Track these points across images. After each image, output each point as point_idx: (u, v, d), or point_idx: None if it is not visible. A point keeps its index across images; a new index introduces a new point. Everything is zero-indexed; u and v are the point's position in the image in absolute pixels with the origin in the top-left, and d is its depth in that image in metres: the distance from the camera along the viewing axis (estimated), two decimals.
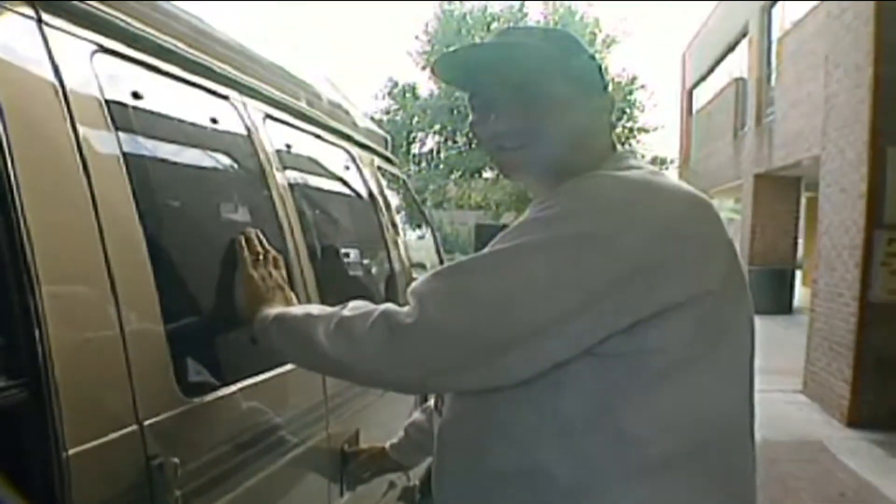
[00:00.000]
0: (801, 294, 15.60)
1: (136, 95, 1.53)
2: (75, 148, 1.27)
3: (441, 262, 4.23)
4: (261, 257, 1.69)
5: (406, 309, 1.21)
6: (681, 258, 1.18)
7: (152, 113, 1.62)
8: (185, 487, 1.34)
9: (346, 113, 3.08)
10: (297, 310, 1.47)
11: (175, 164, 1.70)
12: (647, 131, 30.07)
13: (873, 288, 6.88)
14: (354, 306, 1.32)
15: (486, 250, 1.22)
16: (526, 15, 29.67)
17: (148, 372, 1.33)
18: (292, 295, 1.66)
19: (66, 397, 1.12)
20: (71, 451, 1.13)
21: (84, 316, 1.22)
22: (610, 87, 1.47)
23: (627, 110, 28.83)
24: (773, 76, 15.45)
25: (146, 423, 1.30)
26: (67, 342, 1.15)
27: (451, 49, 1.38)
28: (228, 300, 1.61)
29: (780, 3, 15.43)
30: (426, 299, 1.19)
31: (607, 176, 1.25)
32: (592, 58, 1.42)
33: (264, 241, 1.73)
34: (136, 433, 1.27)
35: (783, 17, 15.10)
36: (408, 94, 30.87)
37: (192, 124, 1.81)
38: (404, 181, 4.26)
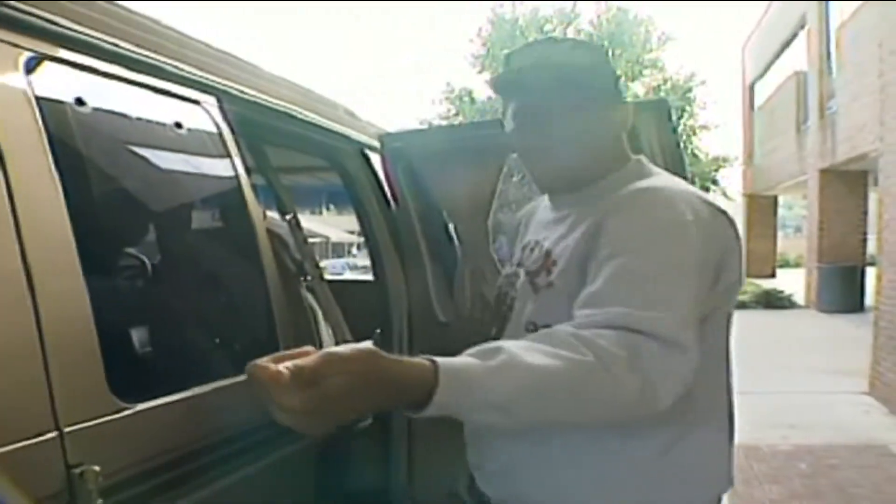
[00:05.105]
0: (870, 292, 15.12)
1: (79, 101, 1.52)
2: None
3: None
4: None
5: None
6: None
7: (105, 119, 1.61)
8: (110, 498, 1.29)
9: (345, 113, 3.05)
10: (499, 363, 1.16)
11: (117, 162, 1.68)
12: (707, 129, 29.50)
13: None
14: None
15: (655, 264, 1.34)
16: (578, 16, 29.45)
17: (72, 373, 1.29)
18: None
19: None
20: None
21: None
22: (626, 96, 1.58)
23: (687, 108, 28.28)
24: (834, 67, 15.01)
25: (67, 429, 1.25)
26: None
27: (505, 69, 1.55)
28: (179, 299, 1.56)
29: None
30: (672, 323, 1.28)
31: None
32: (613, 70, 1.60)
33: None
34: (54, 440, 1.23)
35: (842, 6, 14.66)
36: (465, 99, 30.97)
37: (156, 128, 1.79)
38: None
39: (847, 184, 15.48)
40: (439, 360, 1.13)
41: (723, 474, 1.58)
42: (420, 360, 1.12)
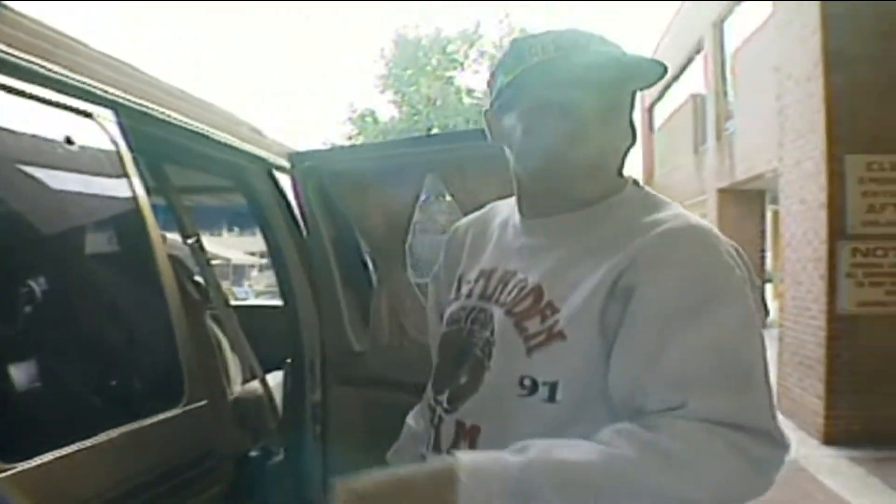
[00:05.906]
0: (773, 308, 15.52)
1: None
2: None
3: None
4: None
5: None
6: None
7: None
8: None
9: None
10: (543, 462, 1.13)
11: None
12: None
13: (840, 300, 6.74)
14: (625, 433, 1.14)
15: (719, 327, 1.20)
16: (481, 37, 29.87)
17: None
18: None
19: None
20: None
21: None
22: None
23: None
24: (731, 91, 15.47)
25: None
26: None
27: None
28: (69, 337, 1.38)
29: (735, 12, 15.49)
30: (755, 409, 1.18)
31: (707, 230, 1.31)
32: None
33: None
34: None
35: (737, 30, 15.14)
36: (367, 119, 30.94)
37: (42, 143, 1.61)
38: None
39: (745, 203, 15.95)
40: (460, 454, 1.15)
41: None
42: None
